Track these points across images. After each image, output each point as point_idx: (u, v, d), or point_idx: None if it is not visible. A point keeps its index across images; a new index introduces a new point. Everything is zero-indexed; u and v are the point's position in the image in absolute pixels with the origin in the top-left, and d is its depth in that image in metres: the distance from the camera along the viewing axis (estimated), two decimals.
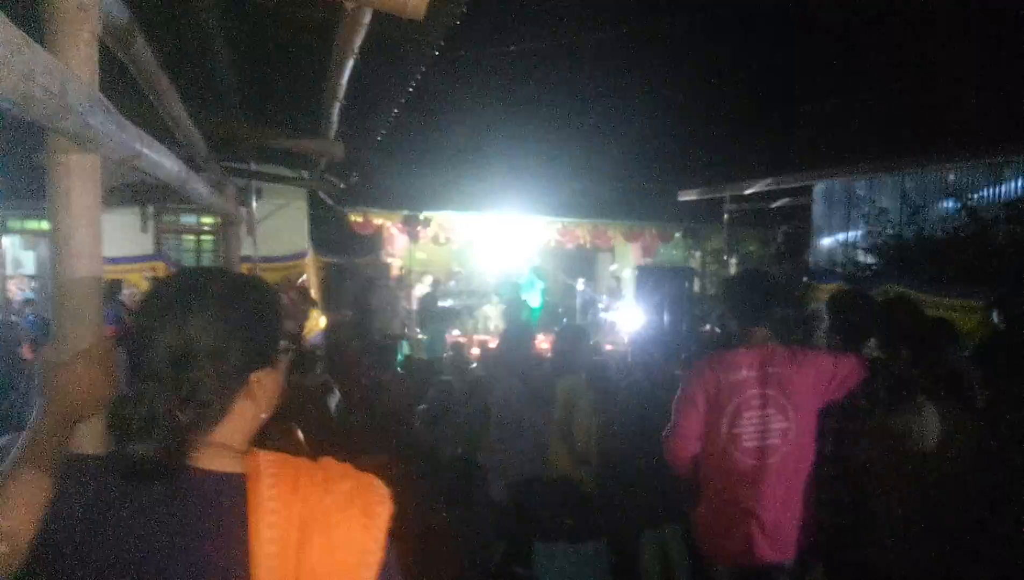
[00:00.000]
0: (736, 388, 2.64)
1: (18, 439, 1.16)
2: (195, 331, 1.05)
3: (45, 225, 10.15)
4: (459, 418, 5.20)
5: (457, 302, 14.19)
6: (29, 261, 11.73)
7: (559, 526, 3.39)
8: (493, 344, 10.02)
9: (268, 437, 1.20)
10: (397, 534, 1.09)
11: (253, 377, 1.11)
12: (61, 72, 1.15)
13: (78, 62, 1.35)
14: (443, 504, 3.53)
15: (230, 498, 1.04)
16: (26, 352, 6.65)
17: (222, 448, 1.08)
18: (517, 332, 4.36)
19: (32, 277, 11.31)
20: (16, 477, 1.09)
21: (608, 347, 10.40)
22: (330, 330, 10.01)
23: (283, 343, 1.17)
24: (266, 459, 1.10)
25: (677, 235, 14.89)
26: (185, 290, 1.09)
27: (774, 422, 2.63)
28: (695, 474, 2.83)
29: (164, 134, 2.86)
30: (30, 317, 8.43)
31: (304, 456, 1.15)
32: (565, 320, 13.11)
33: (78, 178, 1.36)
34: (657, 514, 3.74)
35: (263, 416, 1.16)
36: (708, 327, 8.46)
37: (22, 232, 11.03)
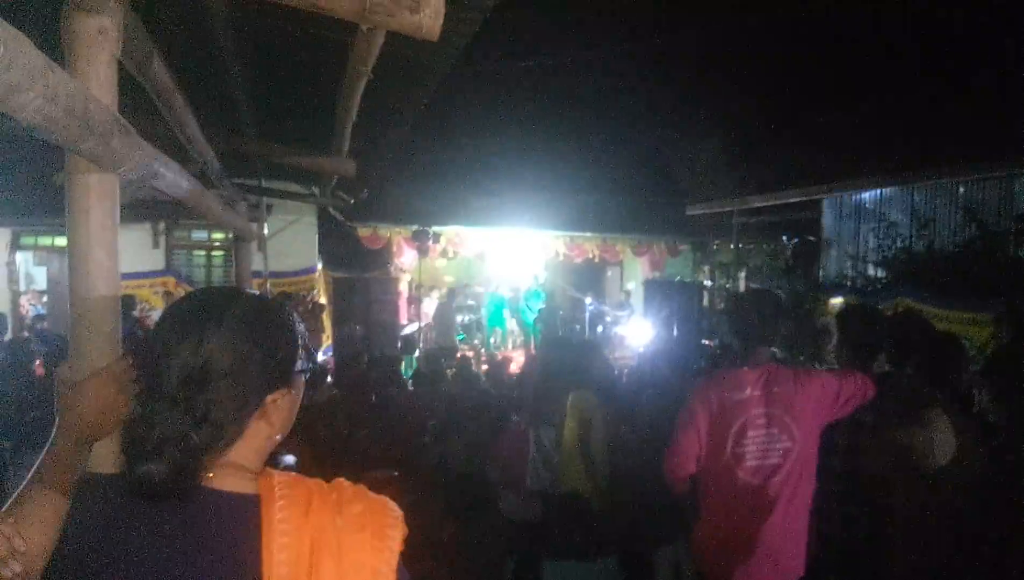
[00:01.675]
0: (741, 407, 2.63)
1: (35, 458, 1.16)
2: (213, 352, 1.04)
3: (58, 242, 10.26)
4: (468, 433, 5.18)
5: (468, 315, 14.27)
6: (41, 277, 11.81)
7: (569, 543, 3.37)
8: (500, 358, 10.02)
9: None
10: (406, 551, 1.08)
11: (269, 398, 1.10)
12: (83, 94, 1.17)
13: (98, 84, 1.38)
14: (452, 520, 3.51)
15: (243, 519, 1.04)
16: (38, 369, 6.67)
17: (236, 469, 1.08)
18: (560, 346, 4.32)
19: (44, 293, 11.39)
20: (32, 497, 1.09)
21: (618, 362, 10.37)
22: (338, 345, 10.04)
23: (300, 364, 1.16)
24: (279, 480, 1.09)
25: (686, 249, 14.89)
26: (204, 310, 1.08)
27: (777, 442, 2.61)
28: (693, 493, 2.82)
29: (178, 152, 2.90)
30: (40, 333, 8.48)
31: (305, 464, 1.14)
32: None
33: (97, 197, 1.37)
34: (669, 531, 3.71)
35: (278, 437, 1.15)
36: (715, 341, 8.41)
37: (35, 248, 11.12)
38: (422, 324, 12.45)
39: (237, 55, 3.62)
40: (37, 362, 6.54)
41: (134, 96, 2.36)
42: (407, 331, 11.52)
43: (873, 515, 2.84)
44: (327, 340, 10.58)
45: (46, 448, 1.14)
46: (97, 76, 1.38)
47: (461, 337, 13.59)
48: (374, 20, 1.70)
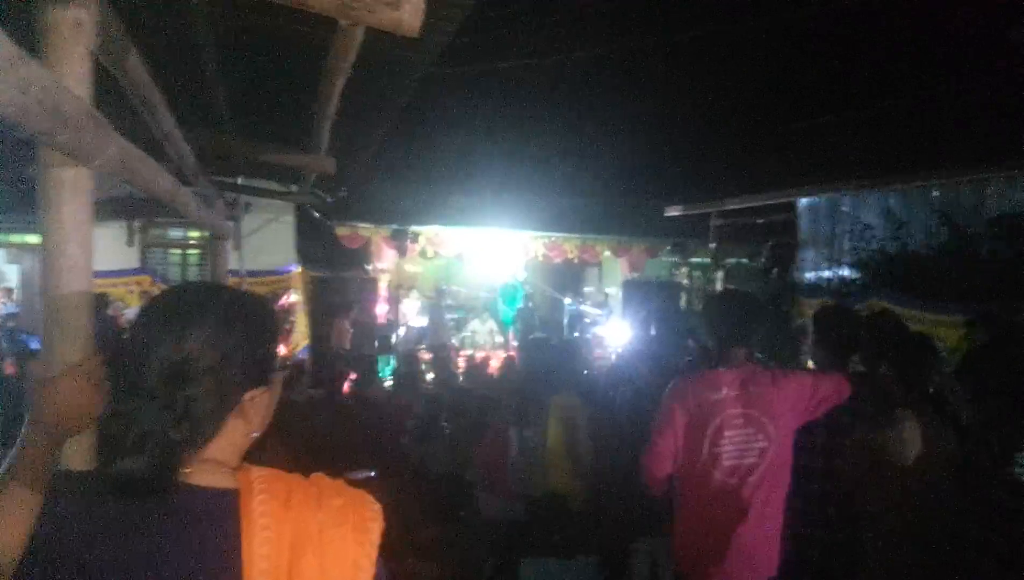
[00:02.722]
0: (717, 407, 2.64)
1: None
2: (193, 348, 1.03)
3: (30, 239, 10.08)
4: (447, 433, 5.18)
5: (449, 315, 14.22)
6: (13, 275, 11.60)
7: (548, 542, 3.38)
8: (480, 358, 10.00)
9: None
10: (386, 551, 1.09)
11: (247, 396, 1.09)
12: (56, 87, 1.15)
13: (73, 77, 1.35)
14: (432, 520, 3.51)
15: (223, 514, 1.03)
16: (8, 367, 6.57)
17: (214, 464, 1.07)
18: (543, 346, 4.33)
19: (12, 290, 11.19)
20: (2, 494, 1.08)
21: (596, 361, 10.40)
22: (315, 344, 9.98)
23: (279, 361, 1.16)
24: (258, 475, 1.09)
25: (664, 250, 14.97)
26: (184, 305, 1.08)
27: (754, 442, 2.63)
28: (671, 493, 2.83)
29: (154, 148, 2.86)
30: (11, 331, 8.34)
31: (283, 464, 1.14)
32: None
33: (70, 192, 1.35)
34: (647, 530, 3.74)
35: (255, 434, 1.15)
36: (690, 343, 8.47)
37: (7, 246, 10.92)
38: (401, 324, 12.41)
39: (216, 51, 3.58)
40: (7, 361, 6.45)
41: (110, 91, 2.32)
42: (388, 330, 11.50)
43: (850, 515, 2.87)
44: (304, 340, 10.53)
45: (17, 444, 1.13)
46: (72, 69, 1.36)
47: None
48: (353, 16, 1.69)
